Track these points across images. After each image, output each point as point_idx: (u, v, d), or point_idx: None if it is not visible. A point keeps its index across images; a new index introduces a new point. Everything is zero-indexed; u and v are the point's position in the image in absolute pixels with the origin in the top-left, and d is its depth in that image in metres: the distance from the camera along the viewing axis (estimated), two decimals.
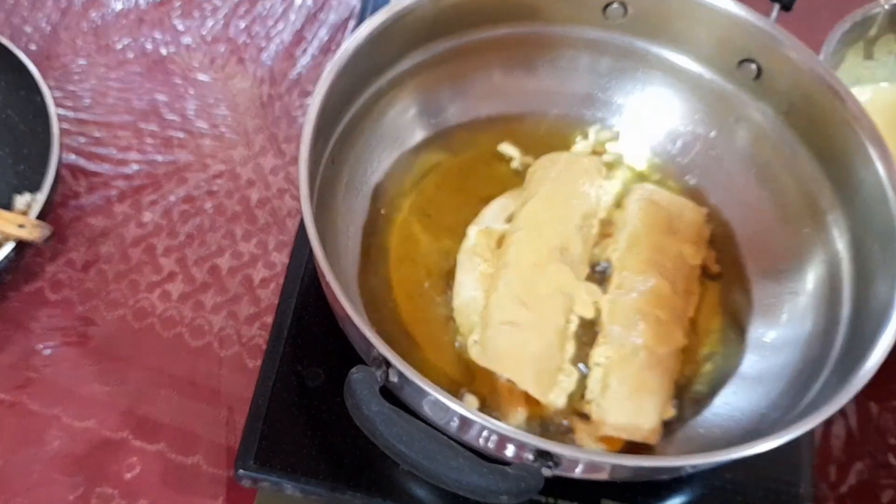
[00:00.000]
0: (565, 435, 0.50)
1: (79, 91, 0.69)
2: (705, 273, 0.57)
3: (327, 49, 0.73)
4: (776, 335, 0.54)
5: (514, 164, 0.60)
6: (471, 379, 0.52)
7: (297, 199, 0.65)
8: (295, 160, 0.66)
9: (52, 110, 0.60)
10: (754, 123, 0.58)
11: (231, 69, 0.72)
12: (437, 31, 0.57)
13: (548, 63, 0.61)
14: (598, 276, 0.56)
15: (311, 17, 0.75)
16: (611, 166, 0.61)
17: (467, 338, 0.53)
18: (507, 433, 0.41)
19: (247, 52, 0.73)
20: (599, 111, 0.62)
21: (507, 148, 0.60)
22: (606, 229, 0.58)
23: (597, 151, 0.62)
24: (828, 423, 0.58)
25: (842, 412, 0.58)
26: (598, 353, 0.52)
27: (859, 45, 0.67)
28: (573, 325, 0.53)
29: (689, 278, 0.55)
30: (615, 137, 0.62)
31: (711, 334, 0.55)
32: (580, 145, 0.61)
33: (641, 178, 0.61)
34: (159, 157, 0.66)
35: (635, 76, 0.61)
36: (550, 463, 0.41)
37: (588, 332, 0.54)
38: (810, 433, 0.54)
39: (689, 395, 0.53)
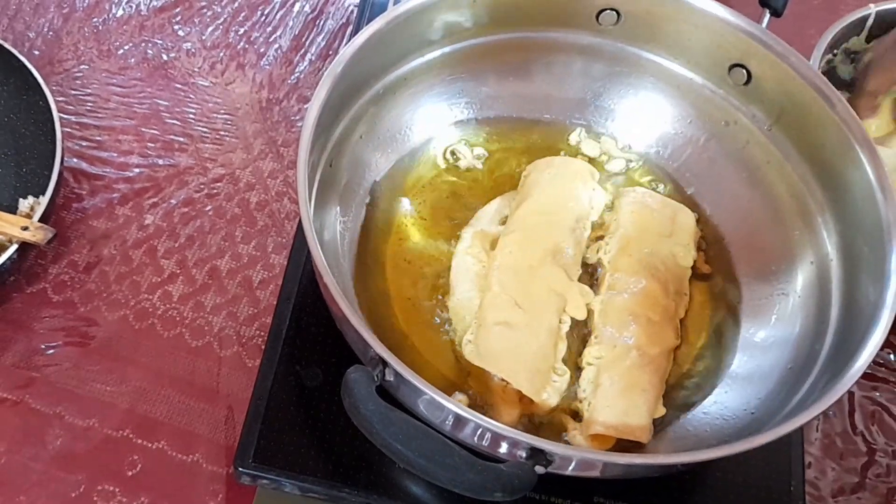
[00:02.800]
0: (558, 433, 0.51)
1: (81, 95, 0.70)
2: (696, 274, 0.58)
3: (325, 55, 0.74)
4: (766, 335, 0.55)
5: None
6: (465, 378, 0.52)
7: (295, 202, 0.66)
8: (293, 164, 0.67)
9: (55, 114, 0.60)
10: (745, 127, 0.59)
11: (231, 74, 0.73)
12: (433, 37, 0.57)
13: (542, 68, 0.62)
14: (591, 277, 0.57)
15: (310, 24, 0.76)
16: (603, 170, 0.62)
17: (462, 337, 0.53)
18: (500, 431, 0.42)
19: (246, 57, 0.74)
20: (593, 115, 0.63)
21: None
22: (599, 232, 0.59)
23: (590, 155, 0.62)
24: (819, 421, 0.59)
25: (832, 410, 0.59)
26: (591, 353, 0.53)
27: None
28: (566, 326, 0.54)
29: (681, 280, 0.56)
30: (608, 141, 0.63)
31: (702, 334, 0.56)
32: (573, 146, 0.62)
33: (633, 181, 0.62)
34: (160, 161, 0.67)
35: (628, 81, 0.61)
36: (543, 461, 0.41)
37: (581, 333, 0.55)
38: (801, 431, 0.55)
39: (679, 394, 0.54)
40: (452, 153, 0.61)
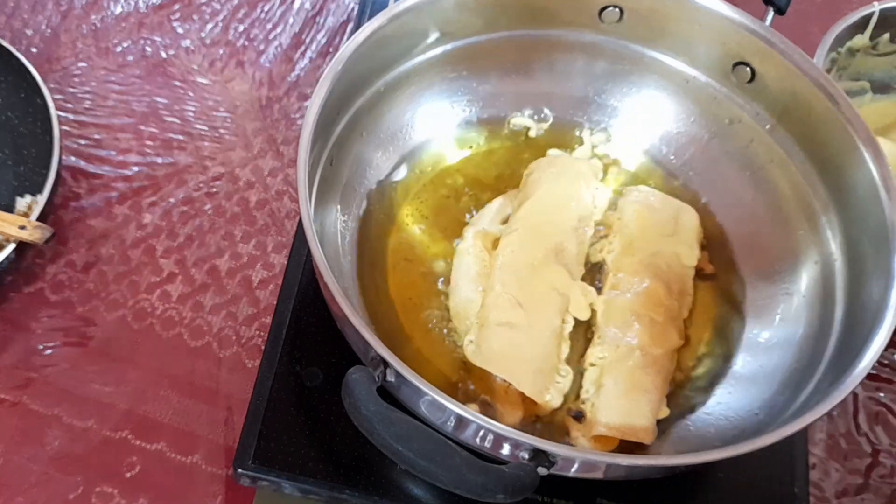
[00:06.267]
0: (561, 434, 0.51)
1: (79, 93, 0.70)
2: (699, 274, 0.57)
3: (325, 52, 0.74)
4: (770, 335, 0.54)
5: (532, 133, 0.61)
6: (467, 379, 0.52)
7: (295, 200, 0.65)
8: (293, 162, 0.66)
9: (53, 112, 0.60)
10: (748, 126, 0.58)
11: (230, 72, 0.72)
12: (434, 35, 0.57)
13: (544, 66, 0.61)
14: (594, 277, 0.57)
15: (310, 21, 0.75)
16: (606, 169, 0.62)
17: (464, 338, 0.53)
18: (503, 433, 0.41)
19: (246, 55, 0.73)
20: (595, 114, 0.63)
21: (521, 119, 0.61)
22: (602, 231, 0.58)
23: (593, 154, 0.62)
24: (823, 422, 0.58)
25: (836, 411, 0.59)
26: (594, 354, 0.53)
27: None
28: (569, 326, 0.54)
29: (684, 279, 0.56)
30: (610, 140, 0.63)
31: (706, 335, 0.56)
32: (577, 150, 0.62)
33: (636, 180, 0.62)
34: (159, 159, 0.67)
35: (630, 79, 0.61)
36: (546, 462, 0.41)
37: (584, 333, 0.54)
38: (805, 432, 0.55)
39: (683, 395, 0.53)
40: (522, 125, 0.61)
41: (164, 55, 0.72)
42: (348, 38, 0.56)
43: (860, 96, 0.68)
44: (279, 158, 0.68)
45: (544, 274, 0.54)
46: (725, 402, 0.52)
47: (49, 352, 0.58)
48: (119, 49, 0.72)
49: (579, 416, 0.51)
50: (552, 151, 0.62)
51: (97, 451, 0.54)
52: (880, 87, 0.69)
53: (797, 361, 0.51)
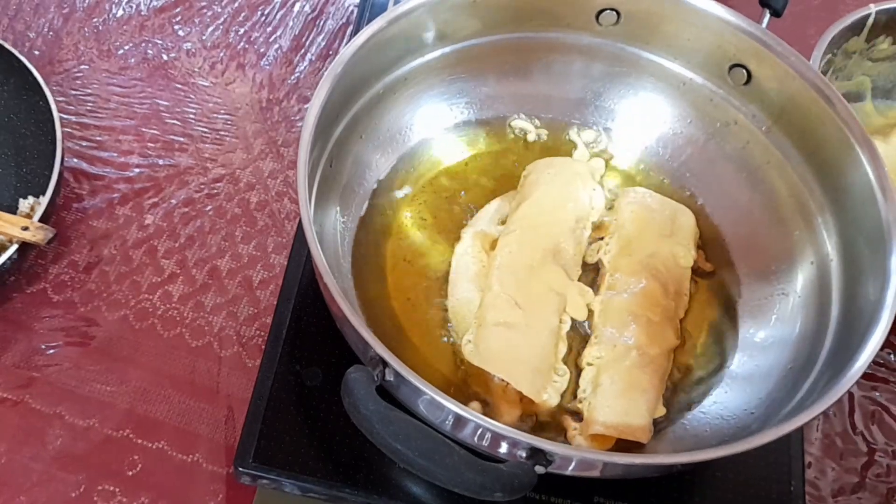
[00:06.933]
0: (558, 433, 0.51)
1: (81, 95, 0.70)
2: (697, 273, 0.58)
3: (325, 55, 0.74)
4: (766, 335, 0.55)
5: (531, 137, 0.61)
6: (465, 378, 0.52)
7: (295, 202, 0.66)
8: (293, 164, 0.67)
9: (55, 114, 0.61)
10: (745, 127, 0.59)
11: (231, 74, 0.73)
12: (433, 37, 0.57)
13: (542, 68, 0.62)
14: (591, 277, 0.57)
15: (310, 24, 0.76)
16: (603, 170, 0.62)
17: (462, 338, 0.53)
18: (500, 431, 0.42)
19: (246, 57, 0.74)
20: (592, 116, 0.63)
21: (520, 122, 0.61)
22: (599, 232, 0.59)
23: (591, 155, 0.62)
24: (819, 421, 0.59)
25: (832, 410, 0.59)
26: (591, 353, 0.53)
27: None
28: (566, 326, 0.54)
29: (681, 280, 0.56)
30: (608, 141, 0.63)
31: (702, 334, 0.56)
32: (576, 151, 0.62)
33: (633, 181, 0.62)
34: (160, 161, 0.67)
35: (627, 81, 0.61)
36: (544, 461, 0.41)
37: (581, 333, 0.55)
38: (801, 431, 0.55)
39: (679, 394, 0.54)
40: (521, 130, 0.61)
41: (165, 58, 0.73)
42: (348, 41, 0.57)
43: (860, 103, 0.69)
44: (279, 160, 0.68)
45: (542, 274, 0.54)
46: (722, 401, 0.52)
47: (51, 351, 0.58)
48: (121, 51, 0.73)
49: (577, 415, 0.51)
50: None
51: (99, 449, 0.55)
52: (882, 92, 0.69)
53: (793, 361, 0.52)
